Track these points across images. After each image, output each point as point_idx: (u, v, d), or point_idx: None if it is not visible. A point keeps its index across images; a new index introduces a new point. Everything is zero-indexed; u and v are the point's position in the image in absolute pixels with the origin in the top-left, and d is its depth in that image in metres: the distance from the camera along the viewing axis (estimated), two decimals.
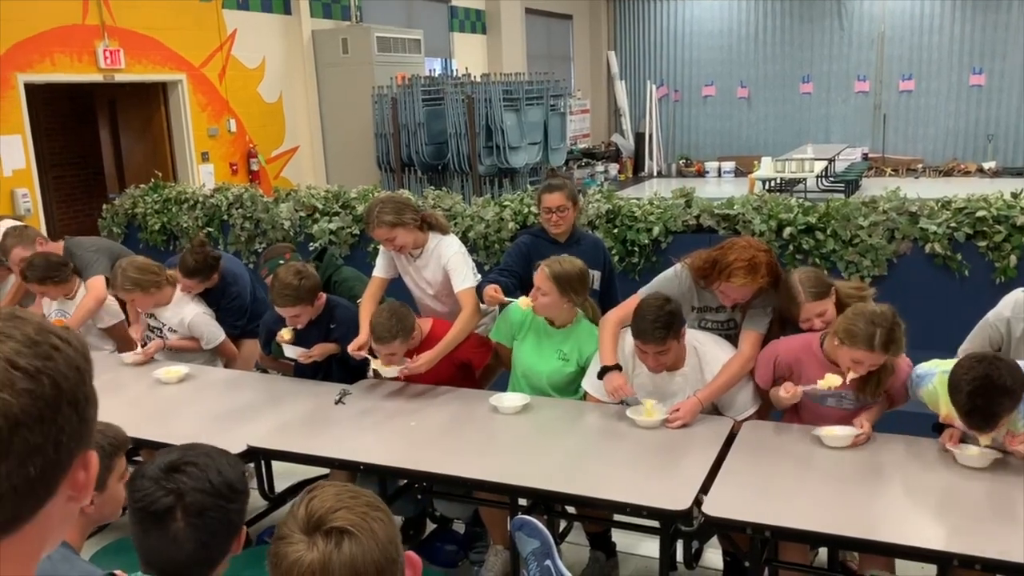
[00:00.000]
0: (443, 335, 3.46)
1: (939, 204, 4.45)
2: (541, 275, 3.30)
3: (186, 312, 3.99)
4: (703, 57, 17.70)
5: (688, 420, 2.97)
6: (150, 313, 4.05)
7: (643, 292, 3.25)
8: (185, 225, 6.30)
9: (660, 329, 2.90)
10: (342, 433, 3.15)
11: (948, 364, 2.61)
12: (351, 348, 3.46)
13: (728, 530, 2.45)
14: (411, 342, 3.41)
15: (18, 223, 5.31)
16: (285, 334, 3.58)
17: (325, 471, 3.58)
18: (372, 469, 2.91)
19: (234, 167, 9.43)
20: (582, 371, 3.35)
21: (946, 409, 2.66)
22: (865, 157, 16.16)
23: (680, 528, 2.54)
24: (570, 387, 3.39)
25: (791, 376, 2.96)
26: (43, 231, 7.19)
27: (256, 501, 3.82)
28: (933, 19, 15.91)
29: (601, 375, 3.12)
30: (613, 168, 16.72)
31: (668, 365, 3.04)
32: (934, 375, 2.72)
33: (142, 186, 6.75)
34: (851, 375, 2.75)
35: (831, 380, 2.78)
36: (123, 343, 4.27)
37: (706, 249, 3.15)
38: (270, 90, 9.88)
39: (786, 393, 2.87)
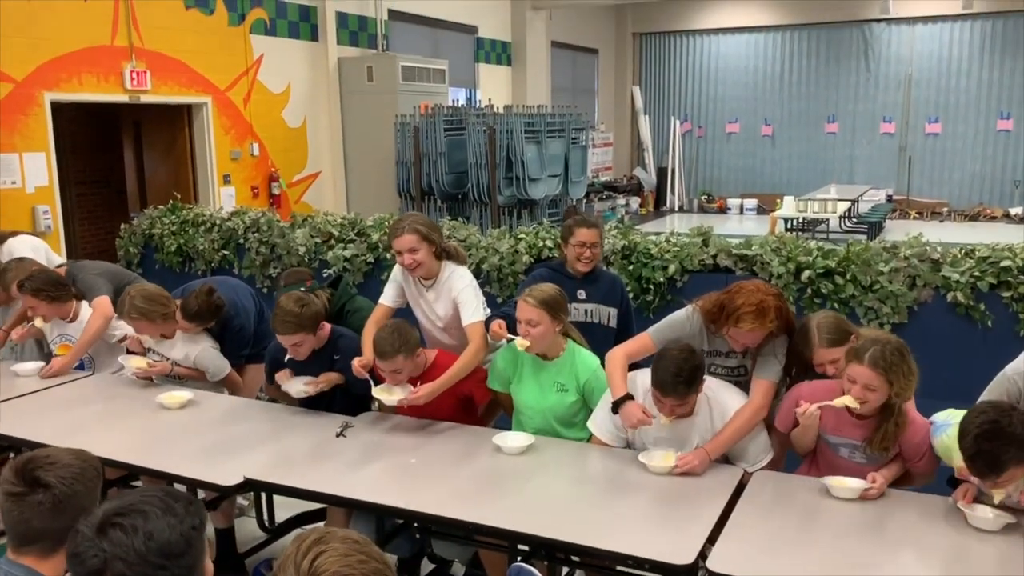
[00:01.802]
0: (447, 366, 3.39)
1: (962, 252, 4.35)
2: (526, 307, 3.19)
3: (191, 349, 3.98)
4: (728, 94, 17.73)
5: (697, 469, 2.88)
6: (148, 347, 4.04)
7: (652, 332, 3.18)
8: (201, 247, 6.31)
9: (683, 384, 2.83)
10: (341, 467, 3.08)
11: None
12: (355, 363, 3.40)
13: None
14: (415, 367, 3.34)
15: (34, 239, 5.37)
16: (283, 376, 3.56)
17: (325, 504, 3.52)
18: (369, 507, 2.84)
19: (255, 190, 9.48)
20: (583, 399, 3.27)
21: (959, 461, 2.57)
22: (889, 199, 16.04)
23: None
24: (575, 418, 3.30)
25: None
26: (63, 248, 7.26)
27: (255, 532, 3.78)
28: (961, 63, 15.84)
29: (615, 408, 3.02)
30: (634, 202, 16.70)
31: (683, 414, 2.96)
32: (949, 425, 2.63)
33: (160, 207, 6.78)
34: (846, 399, 2.70)
35: (843, 399, 2.73)
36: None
37: (716, 292, 3.08)
38: (294, 115, 9.96)
39: (800, 410, 2.80)
